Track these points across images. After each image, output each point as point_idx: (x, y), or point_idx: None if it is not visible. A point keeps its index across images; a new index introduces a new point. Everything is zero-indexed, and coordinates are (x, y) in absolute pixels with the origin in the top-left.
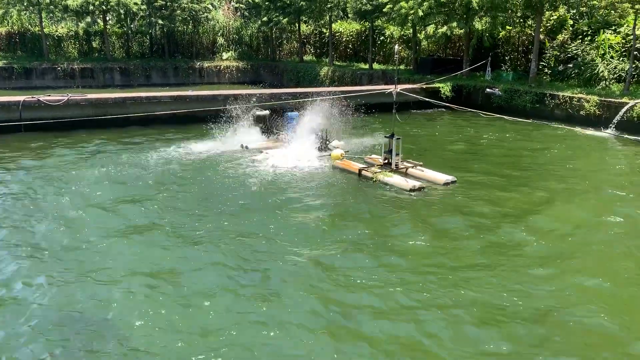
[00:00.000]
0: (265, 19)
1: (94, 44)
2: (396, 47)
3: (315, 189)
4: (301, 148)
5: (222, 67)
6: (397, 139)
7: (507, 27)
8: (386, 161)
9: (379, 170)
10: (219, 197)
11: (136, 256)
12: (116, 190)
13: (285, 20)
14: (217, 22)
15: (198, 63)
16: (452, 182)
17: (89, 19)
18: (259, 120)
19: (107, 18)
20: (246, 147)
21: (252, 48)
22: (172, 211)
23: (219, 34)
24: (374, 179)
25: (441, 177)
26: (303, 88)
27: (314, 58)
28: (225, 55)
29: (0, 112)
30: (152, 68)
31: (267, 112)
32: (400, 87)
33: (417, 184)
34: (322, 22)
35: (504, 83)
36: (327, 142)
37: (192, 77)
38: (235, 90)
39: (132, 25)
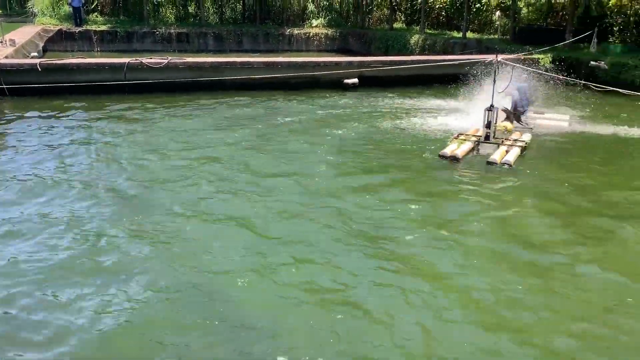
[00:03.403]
0: None
1: (190, 9)
2: (497, 13)
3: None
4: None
5: (311, 34)
6: (492, 110)
7: None
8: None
9: (462, 139)
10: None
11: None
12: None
13: None
14: None
15: (288, 30)
16: (504, 163)
17: None
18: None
19: None
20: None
21: (342, 15)
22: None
23: (310, 0)
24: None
25: (498, 156)
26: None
27: (404, 26)
28: (315, 22)
29: (108, 73)
30: (243, 34)
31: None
32: (500, 56)
33: (459, 154)
34: None
35: (611, 56)
36: (517, 113)
37: (282, 44)
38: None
39: None
